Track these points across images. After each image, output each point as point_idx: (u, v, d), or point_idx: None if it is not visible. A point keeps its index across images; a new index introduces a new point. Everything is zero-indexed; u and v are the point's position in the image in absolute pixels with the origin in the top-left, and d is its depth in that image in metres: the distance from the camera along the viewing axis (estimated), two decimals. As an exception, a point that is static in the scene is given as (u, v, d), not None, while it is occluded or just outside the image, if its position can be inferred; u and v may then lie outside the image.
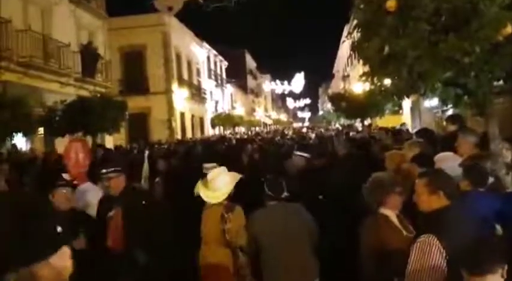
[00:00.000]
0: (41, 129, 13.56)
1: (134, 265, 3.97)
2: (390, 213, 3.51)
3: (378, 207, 3.53)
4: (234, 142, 16.13)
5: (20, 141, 13.08)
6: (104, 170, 4.38)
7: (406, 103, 19.39)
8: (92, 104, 12.73)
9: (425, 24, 3.90)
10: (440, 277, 2.70)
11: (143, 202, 4.35)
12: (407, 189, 3.56)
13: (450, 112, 12.78)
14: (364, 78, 4.57)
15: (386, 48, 4.01)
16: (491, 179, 3.71)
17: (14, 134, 10.46)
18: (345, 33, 39.61)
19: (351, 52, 5.97)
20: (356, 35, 4.81)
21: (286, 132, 28.63)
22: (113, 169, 4.33)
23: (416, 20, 3.93)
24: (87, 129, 12.66)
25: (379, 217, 3.51)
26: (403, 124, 16.27)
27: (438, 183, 2.99)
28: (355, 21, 4.84)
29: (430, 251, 2.71)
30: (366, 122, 19.94)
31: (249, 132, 35.52)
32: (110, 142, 18.41)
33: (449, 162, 4.14)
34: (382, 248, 3.30)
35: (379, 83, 4.48)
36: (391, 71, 4.09)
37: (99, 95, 14.90)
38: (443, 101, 5.03)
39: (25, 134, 11.19)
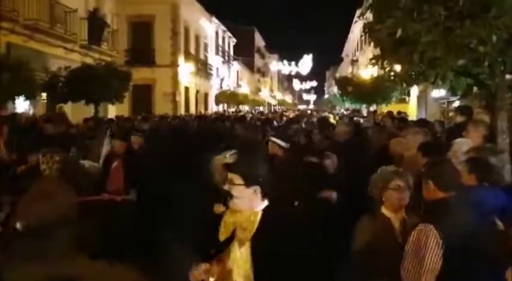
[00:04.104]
0: (44, 95, 13.48)
1: None
2: (391, 214, 3.10)
3: (379, 206, 3.16)
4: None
5: (22, 105, 13.00)
6: None
7: (414, 92, 19.21)
8: (96, 72, 12.59)
9: (441, 8, 3.75)
10: (436, 267, 2.67)
11: None
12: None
13: (456, 104, 12.65)
14: (373, 61, 4.43)
15: (399, 32, 3.87)
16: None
17: (15, 97, 10.36)
18: (356, 16, 39.06)
19: (362, 35, 5.78)
20: (369, 16, 4.65)
21: (287, 114, 28.14)
22: None
23: (432, 3, 3.78)
24: (90, 97, 12.55)
25: (376, 217, 3.15)
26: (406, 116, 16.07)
27: (429, 173, 2.96)
28: (368, 2, 4.68)
29: (426, 241, 2.68)
30: (372, 109, 19.77)
31: (253, 111, 35.33)
32: (113, 112, 18.31)
33: (464, 148, 4.08)
34: (371, 253, 3.02)
35: (388, 68, 4.35)
36: (402, 56, 3.96)
37: (104, 63, 14.72)
38: (453, 91, 4.91)
39: (27, 98, 11.07)
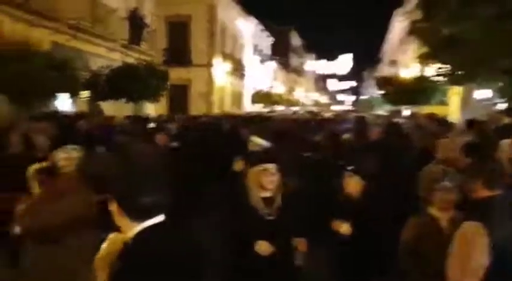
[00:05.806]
0: (85, 93, 13.84)
1: None
2: (439, 215, 3.04)
3: (426, 205, 3.10)
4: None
5: (65, 103, 13.40)
6: None
7: (455, 94, 18.67)
8: (137, 71, 12.86)
9: (492, 7, 3.62)
10: (483, 265, 2.59)
11: None
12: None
13: (498, 106, 12.23)
14: (420, 60, 4.32)
15: (448, 30, 3.75)
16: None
17: (59, 94, 10.70)
18: (394, 17, 38.32)
19: (407, 34, 5.61)
20: (411, 16, 4.54)
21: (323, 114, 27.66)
22: None
23: (483, 2, 3.66)
24: (130, 95, 12.84)
25: (423, 218, 3.08)
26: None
27: (476, 172, 2.90)
28: (412, 2, 4.57)
29: (473, 239, 2.61)
30: (412, 110, 19.40)
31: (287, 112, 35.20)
32: (151, 110, 18.65)
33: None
34: (418, 254, 2.98)
35: (438, 67, 4.24)
36: (451, 55, 3.84)
37: (144, 63, 15.00)
38: (500, 92, 4.75)
39: (71, 96, 11.42)
